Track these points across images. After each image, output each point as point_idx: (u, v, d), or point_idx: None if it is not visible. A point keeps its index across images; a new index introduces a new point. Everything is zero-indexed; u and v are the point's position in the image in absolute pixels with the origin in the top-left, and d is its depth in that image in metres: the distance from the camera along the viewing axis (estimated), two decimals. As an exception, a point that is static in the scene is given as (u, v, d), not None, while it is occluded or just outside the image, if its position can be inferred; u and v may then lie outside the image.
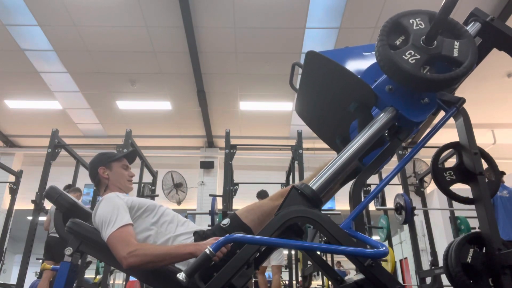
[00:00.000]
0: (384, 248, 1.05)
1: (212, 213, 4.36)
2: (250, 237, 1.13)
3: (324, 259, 4.62)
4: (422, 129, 6.05)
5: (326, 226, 1.14)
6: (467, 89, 6.37)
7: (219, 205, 4.49)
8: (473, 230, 4.04)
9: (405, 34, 1.27)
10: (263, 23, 5.47)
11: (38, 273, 5.48)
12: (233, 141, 4.61)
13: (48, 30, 5.63)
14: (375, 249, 1.06)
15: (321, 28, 5.70)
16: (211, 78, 6.67)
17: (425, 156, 4.69)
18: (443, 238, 6.73)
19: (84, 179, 2.88)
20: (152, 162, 6.03)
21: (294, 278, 5.08)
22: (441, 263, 3.73)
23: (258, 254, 1.38)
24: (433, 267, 4.09)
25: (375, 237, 4.73)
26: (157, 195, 5.73)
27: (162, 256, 1.34)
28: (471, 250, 1.37)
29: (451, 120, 1.48)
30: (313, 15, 5.35)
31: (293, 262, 5.20)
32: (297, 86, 1.68)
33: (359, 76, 1.31)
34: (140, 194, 5.57)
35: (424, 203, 4.95)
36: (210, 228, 1.62)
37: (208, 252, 1.07)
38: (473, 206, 1.51)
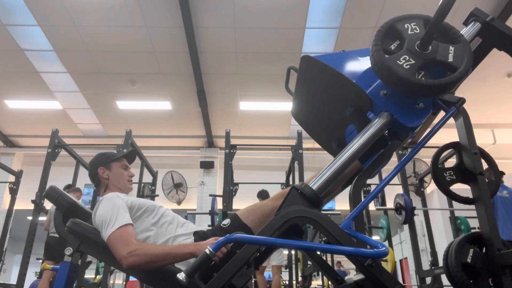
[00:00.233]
0: (384, 248, 1.05)
1: (212, 213, 4.36)
2: (250, 237, 1.13)
3: (324, 259, 4.62)
4: (422, 129, 6.05)
5: (326, 226, 1.14)
6: (467, 89, 6.37)
7: (219, 205, 4.49)
8: (473, 230, 4.04)
9: (400, 38, 1.27)
10: (263, 23, 5.47)
11: (38, 273, 5.48)
12: (233, 141, 4.61)
13: (48, 30, 5.63)
14: (375, 249, 1.06)
15: (321, 28, 5.70)
16: (211, 78, 6.68)
17: (425, 156, 4.69)
18: (443, 238, 6.74)
19: (84, 179, 2.88)
20: (152, 162, 6.03)
21: (294, 278, 5.08)
22: (441, 263, 3.73)
23: (258, 254, 1.38)
24: (433, 267, 4.09)
25: (375, 237, 4.73)
26: (157, 195, 5.73)
27: (162, 256, 1.34)
28: (471, 250, 1.37)
29: (451, 120, 1.48)
30: (313, 15, 5.35)
31: (293, 262, 5.20)
32: (293, 90, 1.68)
33: (354, 81, 1.31)
34: (140, 194, 5.57)
35: (424, 203, 4.95)
36: (210, 228, 1.62)
37: (208, 252, 1.07)
38: (473, 206, 1.50)
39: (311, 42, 5.85)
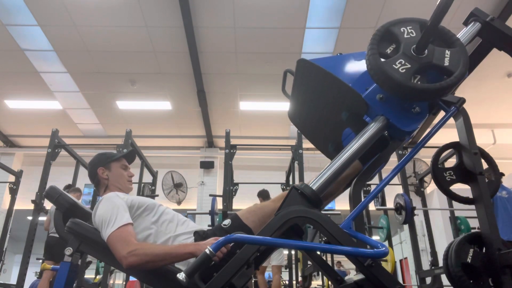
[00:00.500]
0: (384, 248, 1.05)
1: (212, 213, 4.36)
2: (250, 237, 1.13)
3: (324, 259, 4.62)
4: (422, 129, 6.05)
5: (326, 226, 1.14)
6: (467, 89, 6.37)
7: (219, 205, 4.49)
8: (473, 230, 4.04)
9: (396, 42, 1.26)
10: (263, 23, 5.47)
11: (38, 273, 5.48)
12: (233, 141, 4.61)
13: (48, 30, 5.63)
14: (375, 249, 1.06)
15: (321, 28, 5.70)
16: (211, 78, 6.68)
17: (425, 156, 4.69)
18: (443, 238, 6.74)
19: (84, 179, 2.88)
20: (152, 162, 6.03)
21: (294, 278, 5.08)
22: (441, 263, 3.73)
23: (258, 254, 1.38)
24: (433, 267, 4.09)
25: (375, 237, 4.73)
26: (157, 195, 5.73)
27: (162, 256, 1.34)
28: (471, 250, 1.37)
29: (451, 120, 1.48)
30: (313, 15, 5.35)
31: (293, 262, 5.20)
32: (290, 93, 1.68)
33: (350, 85, 1.31)
34: (140, 194, 5.57)
35: (424, 203, 4.95)
36: (210, 228, 1.62)
37: (208, 252, 1.07)
38: (473, 206, 1.51)
39: (311, 42, 5.85)
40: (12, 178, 5.81)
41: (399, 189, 4.51)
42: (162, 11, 5.27)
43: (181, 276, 1.05)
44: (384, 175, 1.37)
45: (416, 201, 4.51)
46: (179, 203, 8.30)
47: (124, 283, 6.22)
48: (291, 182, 5.56)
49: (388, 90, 1.24)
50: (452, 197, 1.61)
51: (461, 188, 1.54)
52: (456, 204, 4.32)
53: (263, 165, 8.80)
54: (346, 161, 1.25)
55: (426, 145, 1.40)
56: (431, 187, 6.79)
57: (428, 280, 4.18)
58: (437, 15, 1.17)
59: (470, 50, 1.43)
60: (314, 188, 1.21)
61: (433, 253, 4.28)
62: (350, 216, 1.22)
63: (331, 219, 1.26)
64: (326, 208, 6.14)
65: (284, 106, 7.47)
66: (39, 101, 7.41)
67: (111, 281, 7.43)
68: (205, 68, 6.34)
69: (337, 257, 10.05)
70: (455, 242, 1.41)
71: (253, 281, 5.30)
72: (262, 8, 5.23)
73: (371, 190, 1.66)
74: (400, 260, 9.77)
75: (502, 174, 4.37)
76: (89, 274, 5.80)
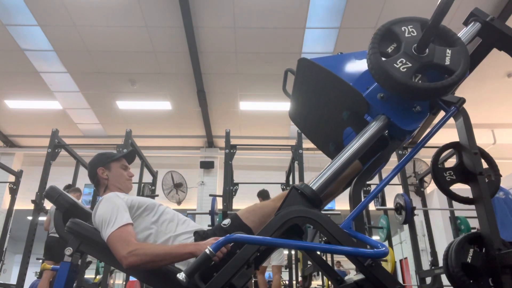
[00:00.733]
0: (384, 248, 1.05)
1: (212, 213, 4.36)
2: (250, 237, 1.13)
3: (324, 259, 4.62)
4: (422, 129, 6.05)
5: (326, 226, 1.14)
6: (467, 89, 6.37)
7: (219, 205, 4.49)
8: (473, 230, 4.04)
9: (397, 41, 1.26)
10: (263, 23, 5.47)
11: (38, 273, 5.48)
12: (233, 141, 4.61)
13: (48, 30, 5.63)
14: (375, 249, 1.06)
15: (321, 28, 5.70)
16: (211, 78, 6.68)
17: (425, 156, 4.69)
18: (443, 238, 6.74)
19: (84, 179, 2.88)
20: (152, 162, 6.03)
21: (294, 278, 5.08)
22: (441, 263, 3.73)
23: (258, 254, 1.38)
24: (433, 267, 4.09)
25: (375, 237, 4.73)
26: (157, 195, 5.73)
27: (162, 256, 1.34)
28: (471, 250, 1.37)
29: (451, 120, 1.48)
30: (313, 15, 5.35)
31: (293, 262, 5.20)
32: (290, 92, 1.68)
33: (351, 84, 1.31)
34: (140, 194, 5.57)
35: (424, 203, 4.95)
36: (210, 228, 1.62)
37: (208, 252, 1.07)
38: (473, 206, 1.50)
39: (311, 42, 5.85)
40: (12, 178, 5.81)
41: (399, 189, 4.51)
42: (162, 11, 5.27)
43: (181, 276, 1.05)
44: (384, 175, 1.37)
45: (416, 201, 4.51)
46: (179, 203, 8.30)
47: (124, 283, 6.22)
48: (291, 182, 5.56)
49: (389, 89, 1.24)
50: (452, 197, 1.61)
51: (461, 188, 1.54)
52: (456, 204, 4.32)
53: (263, 165, 8.80)
54: (346, 161, 1.25)
55: (426, 145, 1.40)
56: (431, 187, 6.79)
57: (428, 280, 4.18)
58: (438, 14, 1.17)
59: (470, 50, 1.43)
60: (314, 188, 1.21)
61: (433, 253, 4.28)
62: (350, 216, 1.22)
63: (331, 219, 1.26)
64: (326, 208, 6.14)
65: (284, 106, 7.47)
66: (39, 101, 7.41)
67: (111, 281, 7.44)
68: (205, 68, 6.34)
69: (337, 257, 10.05)
70: (455, 242, 1.41)
71: (253, 281, 5.30)
72: (262, 8, 5.23)
73: (371, 190, 1.66)
74: (400, 260, 9.76)
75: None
76: (89, 274, 5.80)
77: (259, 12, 5.29)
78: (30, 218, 4.53)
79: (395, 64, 1.20)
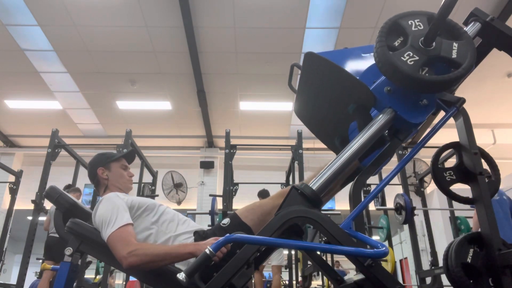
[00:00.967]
0: (384, 248, 1.05)
1: (212, 213, 4.36)
2: (250, 237, 1.13)
3: (324, 259, 4.62)
4: (422, 129, 6.05)
5: (326, 226, 1.14)
6: (467, 89, 6.37)
7: (219, 205, 4.49)
8: (473, 230, 4.04)
9: (404, 35, 1.27)
10: (263, 23, 5.47)
11: (38, 273, 5.48)
12: (233, 141, 4.61)
13: (48, 30, 5.63)
14: (375, 249, 1.06)
15: (321, 28, 5.70)
16: (211, 78, 6.68)
17: (425, 156, 4.69)
18: (443, 238, 6.73)
19: (84, 179, 2.89)
20: (152, 162, 6.03)
21: (294, 278, 5.08)
22: (441, 263, 3.73)
23: (258, 254, 1.38)
24: (433, 267, 4.09)
25: (375, 237, 4.73)
26: (157, 195, 5.73)
27: (162, 256, 1.34)
28: (471, 250, 1.37)
29: (451, 120, 1.48)
30: (313, 15, 5.35)
31: (293, 262, 5.20)
32: (296, 87, 1.67)
33: (357, 78, 1.31)
34: (140, 194, 5.57)
35: (424, 203, 4.95)
36: (210, 228, 1.62)
37: (208, 252, 1.07)
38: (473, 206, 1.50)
39: (311, 42, 5.85)
40: (12, 178, 5.81)
41: (399, 189, 4.52)
42: (162, 11, 5.27)
43: (181, 276, 1.05)
44: (384, 175, 1.37)
45: (416, 201, 4.51)
46: (179, 203, 8.30)
47: (124, 283, 6.22)
48: (291, 182, 5.56)
49: (396, 82, 1.24)
50: (452, 197, 1.61)
51: (461, 188, 1.54)
52: (456, 204, 4.33)
53: (263, 165, 8.80)
54: (348, 159, 1.25)
55: (426, 145, 1.40)
56: (431, 187, 6.78)
57: (428, 280, 4.18)
58: (445, 8, 1.17)
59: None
60: (314, 188, 1.21)
61: (433, 253, 4.28)
62: (350, 216, 1.21)
63: (331, 219, 1.26)
64: (326, 208, 6.15)
65: (284, 106, 7.48)
66: (39, 101, 7.41)
67: (111, 280, 7.43)
68: (205, 68, 6.34)
69: (335, 257, 10.04)
70: (455, 242, 1.41)
71: (253, 281, 5.30)
72: (262, 8, 5.23)
73: (371, 190, 1.66)
74: (400, 260, 9.77)
75: None
76: (89, 274, 5.80)
77: (259, 12, 5.29)
78: (30, 218, 4.53)
79: (402, 57, 1.20)
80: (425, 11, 1.30)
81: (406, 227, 5.01)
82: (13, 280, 6.64)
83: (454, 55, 1.23)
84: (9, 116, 7.87)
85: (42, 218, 4.74)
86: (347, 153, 1.26)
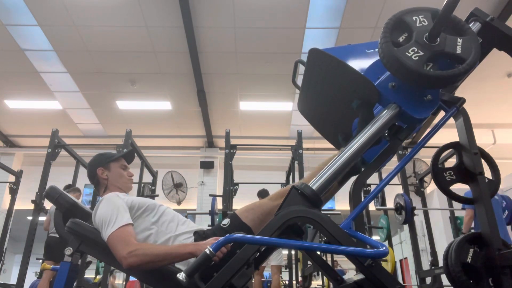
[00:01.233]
0: (384, 248, 1.05)
1: (212, 213, 4.36)
2: (250, 237, 1.13)
3: (324, 259, 4.62)
4: (422, 129, 6.05)
5: (326, 226, 1.14)
6: (467, 89, 6.36)
7: (219, 205, 4.49)
8: (472, 230, 4.04)
9: (408, 31, 1.27)
10: (263, 23, 5.47)
11: (38, 273, 5.48)
12: (233, 141, 4.61)
13: (48, 30, 5.62)
14: (375, 249, 1.06)
15: (321, 28, 5.70)
16: (211, 78, 6.67)
17: (425, 156, 4.69)
18: (443, 238, 6.73)
19: (84, 179, 2.89)
20: (152, 162, 6.03)
21: (294, 278, 5.08)
22: (441, 263, 3.73)
23: (258, 254, 1.38)
24: (433, 267, 4.09)
25: (375, 237, 4.73)
26: (157, 195, 5.73)
27: (162, 256, 1.34)
28: (471, 250, 1.37)
29: (451, 120, 1.48)
30: (313, 15, 5.35)
31: (293, 262, 5.19)
32: (300, 84, 1.67)
33: (362, 73, 1.31)
34: (140, 194, 5.57)
35: (424, 203, 4.95)
36: (210, 228, 1.62)
37: (208, 252, 1.07)
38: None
39: (311, 42, 5.84)
40: (12, 178, 5.81)
41: (399, 189, 4.51)
42: (162, 11, 5.27)
43: (181, 276, 1.05)
44: (384, 175, 1.37)
45: (416, 201, 4.51)
46: (179, 203, 8.30)
47: (124, 283, 6.22)
48: (291, 182, 5.56)
49: (401, 78, 1.24)
50: (452, 197, 1.61)
51: (461, 188, 1.54)
52: (456, 204, 4.33)
53: (263, 165, 8.80)
54: (349, 158, 1.25)
55: (426, 145, 1.40)
56: (431, 187, 6.79)
57: (428, 280, 4.18)
58: (449, 4, 1.18)
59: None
60: (314, 188, 1.21)
61: (433, 253, 4.29)
62: (350, 216, 1.22)
63: (331, 219, 1.26)
64: (326, 208, 6.14)
65: (284, 106, 7.48)
66: (39, 101, 7.41)
67: (113, 280, 7.44)
68: (205, 68, 6.34)
69: (335, 257, 10.04)
70: (455, 242, 1.41)
71: (252, 281, 5.30)
72: (262, 8, 5.23)
73: (371, 190, 1.66)
74: (400, 260, 9.76)
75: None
76: (89, 274, 5.80)
77: (259, 12, 5.29)
78: (30, 218, 4.53)
79: (407, 53, 1.21)
80: (429, 7, 1.30)
81: (406, 227, 5.01)
82: (13, 280, 6.64)
83: (458, 51, 1.24)
84: (9, 116, 7.87)
85: (42, 218, 4.74)
86: (349, 151, 1.26)
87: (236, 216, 1.52)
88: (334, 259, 10.53)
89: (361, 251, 1.08)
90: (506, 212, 4.18)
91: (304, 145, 4.80)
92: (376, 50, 1.29)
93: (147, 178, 5.87)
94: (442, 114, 1.40)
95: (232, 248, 1.26)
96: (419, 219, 5.71)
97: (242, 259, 1.11)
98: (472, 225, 4.30)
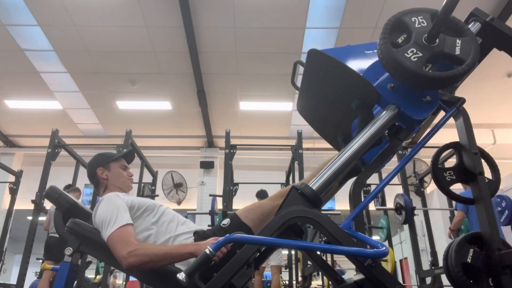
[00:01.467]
0: (384, 248, 1.05)
1: (212, 213, 4.36)
2: (250, 237, 1.13)
3: (324, 259, 4.62)
4: (422, 129, 6.05)
5: (326, 226, 1.14)
6: (467, 89, 6.36)
7: (219, 205, 4.49)
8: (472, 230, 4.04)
9: (407, 32, 1.27)
10: (263, 23, 5.47)
11: (38, 273, 5.48)
12: (233, 141, 4.61)
13: (48, 30, 5.62)
14: (375, 249, 1.06)
15: (321, 28, 5.70)
16: (211, 78, 6.68)
17: (425, 156, 4.68)
18: (443, 238, 6.73)
19: (84, 179, 2.89)
20: (152, 162, 6.03)
21: (294, 278, 5.08)
22: (441, 263, 3.73)
23: (258, 254, 1.38)
24: (433, 267, 4.09)
25: (375, 237, 4.73)
26: (157, 195, 5.73)
27: (162, 256, 1.34)
28: (471, 250, 1.37)
29: (451, 120, 1.48)
30: (313, 15, 5.35)
31: (293, 262, 5.19)
32: (299, 85, 1.67)
33: (361, 74, 1.31)
34: (140, 194, 5.57)
35: (424, 203, 4.95)
36: (210, 228, 1.62)
37: (208, 252, 1.07)
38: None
39: (311, 42, 5.84)
40: (12, 178, 5.81)
41: (399, 189, 4.51)
42: (162, 11, 5.27)
43: (181, 276, 1.05)
44: (384, 175, 1.37)
45: (416, 201, 4.51)
46: (179, 203, 8.30)
47: (124, 283, 6.22)
48: (291, 182, 5.56)
49: (400, 79, 1.24)
50: (452, 197, 1.61)
51: (461, 188, 1.54)
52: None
53: (263, 165, 8.80)
54: (350, 158, 1.25)
55: (426, 145, 1.40)
56: (431, 187, 6.78)
57: (428, 280, 4.18)
58: (448, 4, 1.18)
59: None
60: (314, 188, 1.21)
61: (433, 253, 4.29)
62: (350, 216, 1.21)
63: (331, 219, 1.26)
64: (326, 208, 6.14)
65: (284, 106, 7.48)
66: (39, 101, 7.41)
67: (114, 280, 7.44)
68: (205, 68, 6.34)
69: (334, 257, 10.04)
70: (455, 242, 1.41)
71: (252, 281, 5.30)
72: (262, 8, 5.23)
73: (371, 190, 1.66)
74: (400, 260, 9.77)
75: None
76: (89, 274, 5.80)
77: (259, 12, 5.29)
78: (30, 218, 4.53)
79: (406, 54, 1.21)
80: (428, 8, 1.30)
81: (406, 227, 5.01)
82: (13, 280, 6.64)
83: (457, 52, 1.23)
84: (9, 116, 7.87)
85: (42, 218, 4.74)
86: (348, 152, 1.26)
87: (236, 216, 1.52)
88: (334, 258, 10.56)
89: (361, 251, 1.08)
90: (506, 212, 4.18)
91: (304, 145, 4.80)
92: (375, 51, 1.29)
93: (147, 178, 5.87)
94: (442, 114, 1.40)
95: (232, 248, 1.26)
96: (419, 219, 5.71)
97: (242, 259, 1.11)
98: (462, 227, 4.33)
